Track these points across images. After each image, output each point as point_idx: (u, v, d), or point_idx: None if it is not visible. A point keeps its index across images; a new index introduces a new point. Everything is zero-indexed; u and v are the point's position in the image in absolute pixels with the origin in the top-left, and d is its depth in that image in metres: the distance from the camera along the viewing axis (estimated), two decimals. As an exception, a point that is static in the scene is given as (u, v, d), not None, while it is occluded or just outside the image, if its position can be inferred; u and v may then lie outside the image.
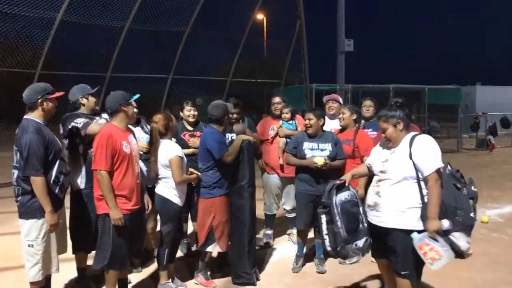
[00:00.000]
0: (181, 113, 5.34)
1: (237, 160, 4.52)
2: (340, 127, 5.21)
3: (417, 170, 3.36)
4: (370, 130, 5.30)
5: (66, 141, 4.18)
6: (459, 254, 3.34)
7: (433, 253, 3.23)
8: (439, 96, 17.21)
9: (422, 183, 3.37)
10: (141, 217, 4.09)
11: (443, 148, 15.95)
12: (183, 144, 4.99)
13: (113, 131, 3.72)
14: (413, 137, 3.45)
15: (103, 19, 11.90)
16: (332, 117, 5.68)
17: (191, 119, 5.25)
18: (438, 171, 3.31)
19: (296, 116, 5.79)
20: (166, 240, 4.32)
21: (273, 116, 5.91)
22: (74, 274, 4.54)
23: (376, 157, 3.67)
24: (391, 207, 3.44)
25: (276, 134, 5.70)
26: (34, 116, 3.68)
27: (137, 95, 4.02)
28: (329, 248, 3.70)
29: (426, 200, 3.35)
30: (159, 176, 4.31)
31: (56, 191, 3.73)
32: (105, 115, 4.33)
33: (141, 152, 4.33)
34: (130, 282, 4.43)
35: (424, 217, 3.32)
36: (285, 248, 5.75)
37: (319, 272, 4.93)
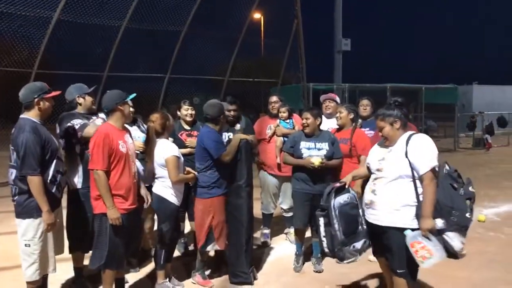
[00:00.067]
0: (178, 113, 5.33)
1: (235, 160, 4.52)
2: (337, 126, 5.21)
3: (412, 168, 3.37)
4: (367, 129, 5.30)
5: (62, 141, 4.17)
6: (452, 254, 3.34)
7: (424, 252, 3.24)
8: (436, 95, 17.24)
9: (417, 181, 3.38)
10: (138, 216, 4.09)
11: (440, 147, 15.99)
12: (180, 144, 4.98)
13: (109, 130, 3.70)
14: (409, 136, 3.46)
15: (100, 18, 11.88)
16: (329, 116, 5.68)
17: (188, 119, 5.24)
18: (433, 170, 3.32)
19: (293, 115, 5.79)
20: (163, 240, 4.32)
21: (271, 115, 5.91)
22: (71, 273, 4.52)
23: (374, 155, 3.69)
24: (387, 205, 3.45)
25: (274, 133, 5.70)
26: (31, 116, 3.66)
27: (134, 94, 4.01)
28: (326, 250, 3.74)
29: (421, 198, 3.36)
30: (156, 176, 4.30)
31: (53, 190, 3.72)
32: (102, 115, 4.32)
33: (138, 152, 4.32)
34: (127, 282, 4.42)
35: (419, 216, 3.34)
36: (282, 247, 5.75)
37: (316, 271, 4.93)
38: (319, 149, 4.75)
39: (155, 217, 4.69)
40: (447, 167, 3.46)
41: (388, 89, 15.50)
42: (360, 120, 5.40)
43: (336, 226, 3.60)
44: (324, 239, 3.71)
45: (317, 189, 4.73)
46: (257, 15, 15.47)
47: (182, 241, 5.36)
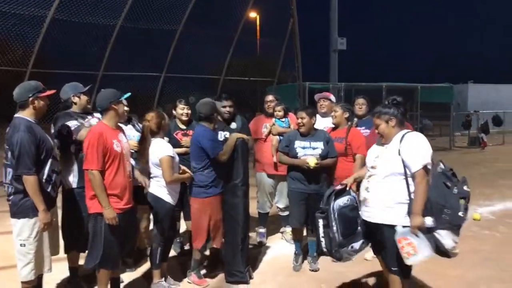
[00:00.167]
0: (174, 112, 5.31)
1: (232, 159, 4.52)
2: (333, 125, 5.22)
3: (405, 166, 3.39)
4: (363, 128, 5.31)
5: (57, 140, 4.15)
6: (444, 252, 3.35)
7: (410, 248, 3.28)
8: (431, 94, 17.28)
9: (410, 179, 3.40)
10: (133, 216, 4.07)
11: (436, 146, 16.07)
12: (176, 143, 4.97)
13: (103, 129, 3.69)
14: (404, 135, 3.50)
15: (95, 17, 11.84)
16: (324, 115, 5.68)
17: (184, 118, 5.23)
18: (425, 168, 3.34)
19: (289, 114, 5.79)
20: (159, 239, 4.31)
21: (266, 114, 5.90)
22: (66, 273, 4.51)
23: (371, 153, 3.73)
24: (379, 202, 3.49)
25: (269, 132, 5.70)
26: (25, 115, 3.65)
27: (128, 94, 4.00)
28: (324, 250, 3.80)
29: (413, 196, 3.38)
30: (151, 175, 4.29)
31: (49, 189, 3.71)
32: (97, 114, 4.30)
33: (132, 151, 4.30)
34: (122, 282, 4.41)
35: (410, 213, 3.36)
36: (278, 247, 5.75)
37: (312, 270, 4.93)
38: (314, 148, 4.76)
39: (151, 216, 4.68)
40: (441, 165, 3.48)
41: (384, 88, 15.52)
42: (355, 119, 5.41)
43: (335, 228, 3.64)
44: (322, 239, 3.75)
45: (313, 188, 4.75)
46: (252, 14, 15.45)
47: (178, 240, 5.35)
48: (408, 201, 3.39)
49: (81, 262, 4.23)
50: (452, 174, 3.45)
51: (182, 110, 5.22)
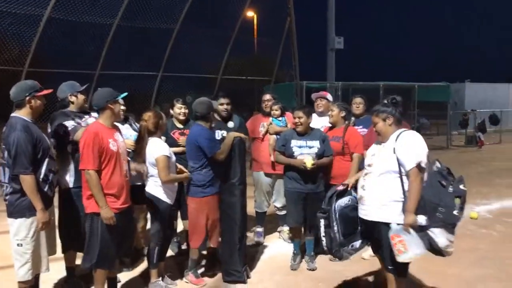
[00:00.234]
0: (171, 111, 5.30)
1: (229, 158, 4.51)
2: (330, 124, 5.22)
3: (399, 164, 3.40)
4: (361, 127, 5.31)
5: (54, 140, 4.13)
6: (437, 251, 3.36)
7: (401, 246, 3.31)
8: (428, 93, 17.29)
9: (404, 177, 3.42)
10: (130, 215, 4.05)
11: (433, 145, 16.09)
12: (173, 142, 4.96)
13: (99, 129, 3.67)
14: (400, 133, 3.52)
15: (92, 16, 11.82)
16: (321, 114, 5.68)
17: (181, 117, 5.22)
18: (419, 166, 3.35)
19: (286, 113, 5.79)
20: (156, 239, 4.30)
21: (264, 113, 5.90)
22: (63, 273, 4.50)
23: (369, 152, 3.77)
24: (375, 200, 3.52)
25: (267, 131, 5.70)
26: (22, 114, 3.64)
27: (125, 93, 3.98)
28: (325, 248, 3.85)
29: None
30: (148, 174, 4.28)
31: (46, 189, 3.70)
32: (94, 114, 4.28)
33: (129, 150, 4.29)
34: (119, 281, 4.40)
35: (404, 211, 3.38)
36: (276, 246, 5.75)
37: (310, 269, 4.93)
38: (310, 147, 4.76)
39: (148, 216, 4.67)
40: (438, 164, 3.49)
41: (381, 87, 15.52)
42: (353, 118, 5.41)
43: (336, 228, 3.68)
44: (323, 238, 3.80)
45: (310, 187, 4.75)
46: (250, 13, 15.44)
47: (175, 240, 5.34)
48: (403, 199, 3.41)
49: (79, 261, 4.22)
50: (448, 173, 3.46)
51: (179, 109, 5.21)
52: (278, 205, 5.83)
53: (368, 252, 4.94)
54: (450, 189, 3.34)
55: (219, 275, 4.67)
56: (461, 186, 3.38)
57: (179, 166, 4.47)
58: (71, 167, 4.14)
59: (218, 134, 5.11)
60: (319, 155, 4.74)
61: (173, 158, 4.36)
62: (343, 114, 5.08)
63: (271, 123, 5.67)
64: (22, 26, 10.96)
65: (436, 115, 20.06)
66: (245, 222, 4.75)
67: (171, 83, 13.88)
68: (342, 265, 4.86)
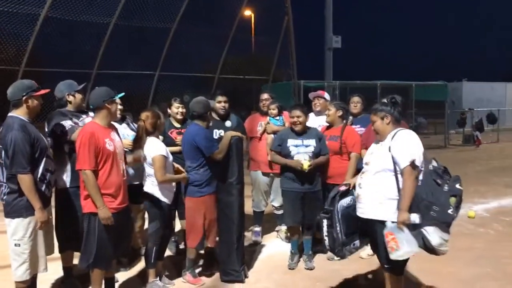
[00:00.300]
0: (169, 110, 5.29)
1: (227, 157, 4.50)
2: (327, 124, 5.22)
3: (394, 163, 3.41)
4: (358, 126, 5.31)
5: (51, 139, 4.12)
6: (431, 249, 3.37)
7: (393, 243, 3.31)
8: (426, 92, 17.33)
9: (399, 176, 3.43)
10: (128, 215, 4.04)
11: (431, 144, 16.13)
12: (171, 142, 4.95)
13: (94, 129, 3.65)
14: (396, 132, 3.53)
15: (89, 15, 11.77)
16: (318, 113, 5.70)
17: (179, 117, 5.21)
18: (413, 164, 3.35)
19: (283, 112, 5.78)
20: (154, 238, 4.29)
21: (261, 112, 5.90)
22: (60, 273, 4.49)
23: (368, 151, 3.78)
24: (370, 198, 3.53)
25: (264, 131, 5.69)
26: (19, 114, 3.62)
27: (122, 94, 3.97)
28: (328, 248, 3.89)
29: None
30: (146, 174, 4.27)
31: (43, 189, 3.68)
32: (92, 113, 4.27)
33: (126, 150, 4.28)
34: (117, 281, 4.39)
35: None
36: (273, 245, 5.75)
37: (308, 269, 4.93)
38: (306, 146, 4.77)
39: (146, 215, 4.66)
40: (434, 163, 3.50)
41: (379, 86, 15.56)
42: (350, 117, 5.41)
43: (338, 228, 3.70)
44: (326, 238, 3.81)
45: (307, 187, 4.77)
46: (247, 12, 15.41)
47: (173, 239, 5.33)
48: (398, 197, 3.42)
49: (76, 261, 4.20)
50: (444, 172, 3.46)
51: (177, 108, 5.20)
52: (276, 204, 5.82)
53: (366, 251, 4.95)
54: (446, 188, 3.34)
55: (217, 274, 4.67)
56: (457, 185, 3.38)
57: (176, 165, 4.46)
58: (68, 167, 4.12)
59: (216, 134, 5.10)
60: (315, 154, 4.75)
61: (170, 158, 4.35)
62: (340, 113, 5.08)
63: (268, 123, 5.67)
64: (18, 25, 10.91)
65: (433, 114, 20.08)
66: (243, 222, 4.75)
67: (169, 82, 13.84)
68: (340, 264, 4.86)
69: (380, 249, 3.56)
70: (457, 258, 4.99)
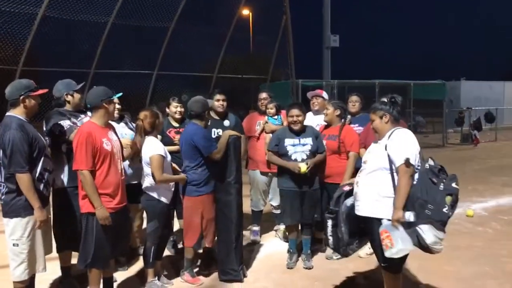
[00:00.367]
0: (167, 109, 5.29)
1: (225, 156, 4.50)
2: (325, 123, 5.22)
3: (390, 161, 3.42)
4: (357, 125, 5.31)
5: (49, 139, 4.10)
6: (425, 247, 3.37)
7: (388, 241, 3.32)
8: (424, 91, 17.34)
9: (395, 174, 3.44)
10: (126, 215, 4.03)
11: (429, 143, 16.14)
12: (169, 141, 4.94)
13: (91, 129, 3.64)
14: (393, 131, 3.54)
15: (86, 14, 11.78)
16: (317, 113, 5.69)
17: (177, 116, 5.20)
18: (408, 163, 3.35)
19: (281, 111, 5.78)
20: (153, 238, 4.28)
21: (260, 111, 5.89)
22: (58, 273, 4.47)
23: (368, 150, 3.80)
24: (367, 196, 3.54)
25: (262, 130, 5.69)
26: (17, 113, 3.61)
27: (120, 94, 3.96)
28: (331, 247, 3.92)
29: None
30: (144, 173, 4.26)
31: (41, 188, 3.67)
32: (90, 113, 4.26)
33: (125, 149, 4.26)
34: (115, 281, 4.38)
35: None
36: (272, 244, 5.74)
37: (306, 268, 4.92)
38: (303, 145, 4.77)
39: (144, 215, 4.65)
40: (430, 162, 3.50)
41: (377, 85, 15.55)
42: (349, 116, 5.40)
43: (343, 229, 3.71)
44: (330, 238, 3.84)
45: (304, 186, 4.75)
46: (245, 11, 15.41)
47: (171, 239, 5.32)
48: (394, 196, 3.42)
49: (74, 261, 4.20)
50: (440, 170, 3.46)
51: (175, 108, 5.20)
52: (275, 203, 5.82)
53: (364, 250, 4.95)
54: (441, 186, 3.34)
55: (216, 274, 4.66)
56: (453, 184, 3.38)
57: (173, 165, 4.45)
58: (66, 166, 4.11)
59: (214, 133, 5.10)
60: (312, 152, 4.75)
61: (169, 157, 4.34)
62: (338, 112, 5.08)
63: (266, 122, 5.66)
64: (16, 24, 10.92)
65: (431, 113, 20.10)
66: (241, 221, 4.74)
67: (167, 81, 13.86)
68: (338, 264, 4.87)
69: (376, 247, 3.57)
70: (456, 256, 4.99)
